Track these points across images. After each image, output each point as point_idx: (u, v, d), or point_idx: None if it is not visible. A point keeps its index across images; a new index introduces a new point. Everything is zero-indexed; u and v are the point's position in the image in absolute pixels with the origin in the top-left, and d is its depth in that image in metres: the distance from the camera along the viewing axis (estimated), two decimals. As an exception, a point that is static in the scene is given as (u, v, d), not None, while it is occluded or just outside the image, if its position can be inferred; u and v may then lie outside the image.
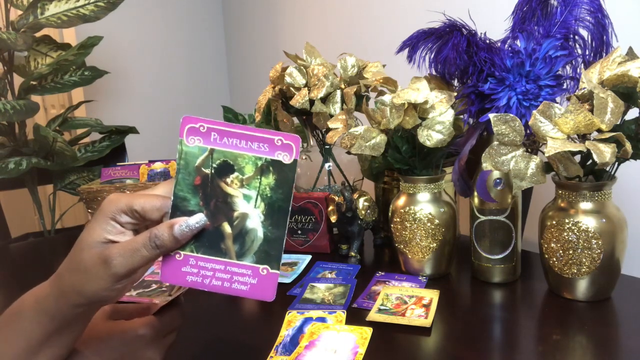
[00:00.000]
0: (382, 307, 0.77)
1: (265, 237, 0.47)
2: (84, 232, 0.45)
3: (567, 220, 0.74)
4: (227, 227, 0.47)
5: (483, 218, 0.84)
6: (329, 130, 0.95)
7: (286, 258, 1.03)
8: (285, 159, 0.46)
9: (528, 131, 0.75)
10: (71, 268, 0.44)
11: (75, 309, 0.44)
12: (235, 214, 0.47)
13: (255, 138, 0.47)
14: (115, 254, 0.43)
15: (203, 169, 0.47)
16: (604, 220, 0.73)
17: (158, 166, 1.20)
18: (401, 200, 0.89)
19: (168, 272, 0.47)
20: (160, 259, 0.47)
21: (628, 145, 0.67)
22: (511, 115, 0.73)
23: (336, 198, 1.00)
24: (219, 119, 0.50)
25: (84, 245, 0.44)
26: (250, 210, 0.47)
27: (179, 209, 0.46)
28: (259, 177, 0.47)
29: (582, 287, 0.76)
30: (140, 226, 0.46)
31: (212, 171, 0.47)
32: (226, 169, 0.47)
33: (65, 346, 0.47)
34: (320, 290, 0.85)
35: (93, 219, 0.45)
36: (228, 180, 0.47)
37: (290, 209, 0.47)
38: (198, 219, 0.46)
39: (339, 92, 1.05)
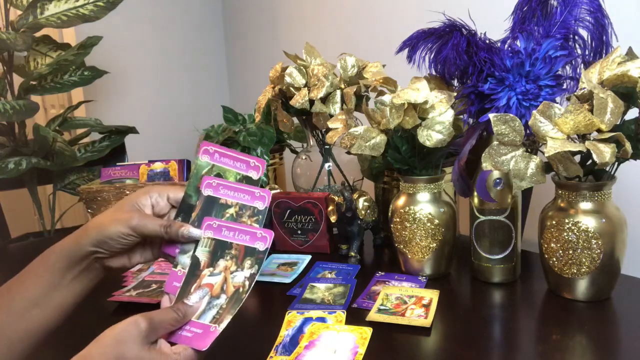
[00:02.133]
0: (382, 307, 0.77)
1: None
2: (129, 196, 0.61)
3: (567, 220, 0.74)
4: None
5: (483, 218, 0.84)
6: (328, 130, 0.95)
7: (286, 258, 1.03)
8: (254, 174, 0.64)
9: (528, 131, 0.75)
10: (104, 214, 0.58)
11: (90, 247, 0.56)
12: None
13: (238, 159, 0.65)
14: (141, 216, 0.58)
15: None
16: (604, 220, 0.73)
17: (158, 166, 1.20)
18: (401, 200, 0.89)
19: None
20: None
21: (628, 145, 0.67)
22: (511, 115, 0.73)
23: (336, 198, 1.00)
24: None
25: (126, 202, 0.60)
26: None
27: (184, 201, 0.62)
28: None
29: (582, 287, 0.76)
30: (159, 204, 0.61)
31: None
32: (219, 176, 0.65)
33: (76, 290, 0.58)
34: (320, 290, 0.85)
35: (138, 191, 0.61)
36: None
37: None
38: (197, 233, 0.59)
39: (338, 92, 1.05)
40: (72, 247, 0.57)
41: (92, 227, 0.57)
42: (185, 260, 0.59)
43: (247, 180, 0.64)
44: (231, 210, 0.62)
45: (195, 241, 0.59)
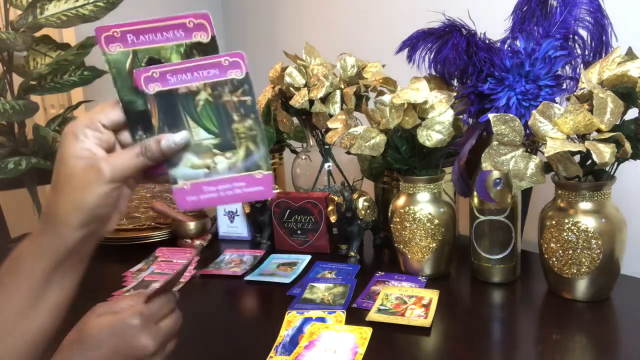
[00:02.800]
0: (382, 307, 0.77)
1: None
2: (61, 154, 0.47)
3: (566, 220, 0.74)
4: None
5: (483, 218, 0.84)
6: (328, 130, 0.95)
7: (285, 258, 1.03)
8: (203, 38, 0.46)
9: (527, 131, 0.75)
10: (64, 190, 0.47)
11: (78, 231, 0.47)
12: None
13: (168, 27, 0.46)
14: (108, 161, 0.47)
15: (135, 71, 0.47)
16: (604, 220, 0.73)
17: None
18: (401, 200, 0.89)
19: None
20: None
21: (627, 145, 0.67)
22: (511, 115, 0.73)
23: (336, 198, 1.00)
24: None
25: (69, 162, 0.47)
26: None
27: (130, 111, 0.47)
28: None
29: (581, 287, 0.76)
30: (102, 139, 0.48)
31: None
32: (155, 64, 0.47)
33: (69, 285, 0.50)
34: (320, 290, 0.85)
35: (62, 142, 0.47)
36: None
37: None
38: (182, 136, 0.48)
39: (338, 92, 1.05)
40: (52, 244, 0.48)
41: (67, 212, 0.47)
42: (182, 170, 0.49)
43: (198, 48, 0.46)
44: (203, 96, 0.46)
45: (184, 145, 0.47)
